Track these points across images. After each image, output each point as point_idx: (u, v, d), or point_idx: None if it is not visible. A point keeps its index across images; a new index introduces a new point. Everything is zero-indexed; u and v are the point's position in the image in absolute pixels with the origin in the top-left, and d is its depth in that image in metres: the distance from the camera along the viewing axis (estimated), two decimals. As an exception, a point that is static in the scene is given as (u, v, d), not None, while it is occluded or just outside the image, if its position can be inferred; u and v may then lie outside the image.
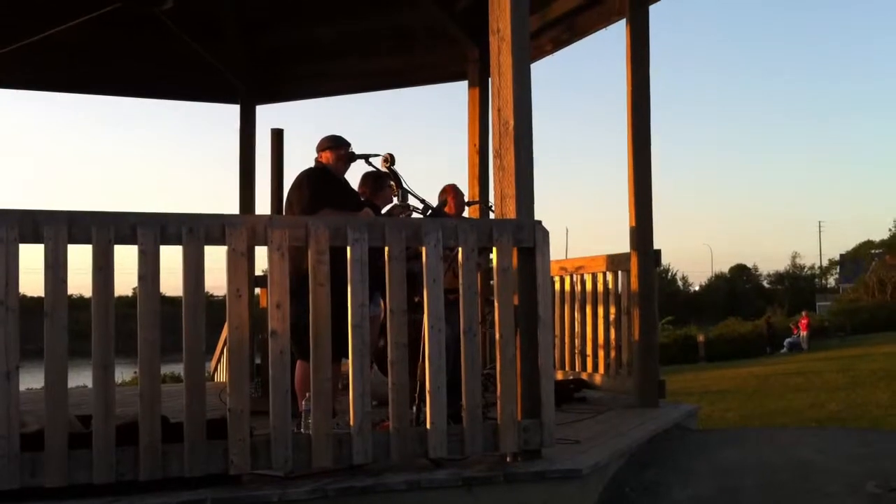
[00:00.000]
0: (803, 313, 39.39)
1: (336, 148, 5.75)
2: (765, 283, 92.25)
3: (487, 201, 8.02)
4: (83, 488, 3.68)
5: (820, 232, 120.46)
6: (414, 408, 4.72)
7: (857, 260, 75.61)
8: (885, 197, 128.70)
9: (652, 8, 6.86)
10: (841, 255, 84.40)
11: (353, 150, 5.74)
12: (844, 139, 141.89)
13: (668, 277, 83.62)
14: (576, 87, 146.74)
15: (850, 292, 61.18)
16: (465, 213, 7.29)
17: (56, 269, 3.68)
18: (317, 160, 5.81)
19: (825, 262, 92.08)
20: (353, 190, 5.94)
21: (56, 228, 3.68)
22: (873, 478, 4.67)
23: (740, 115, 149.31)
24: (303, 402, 4.44)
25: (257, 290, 7.99)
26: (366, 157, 5.63)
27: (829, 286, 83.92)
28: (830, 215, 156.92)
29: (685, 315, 52.10)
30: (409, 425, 4.30)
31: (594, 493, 4.58)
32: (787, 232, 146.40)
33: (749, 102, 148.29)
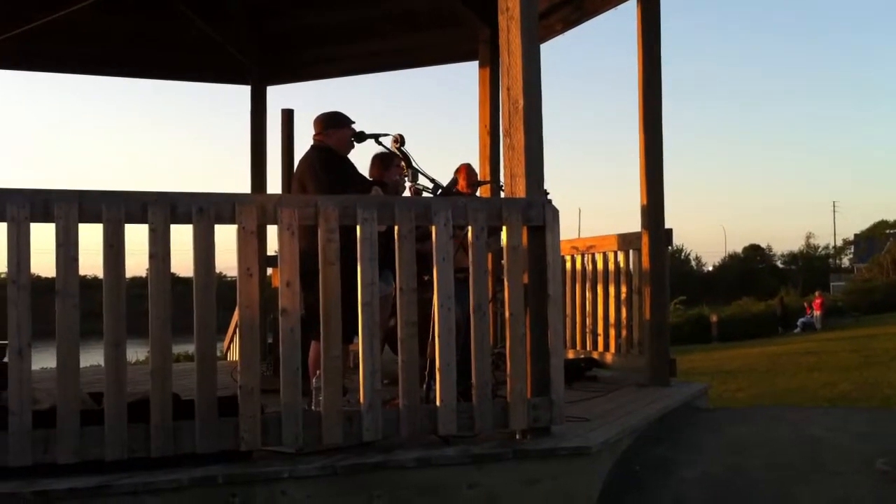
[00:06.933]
0: (817, 293, 39.16)
1: (342, 127, 5.63)
2: (778, 264, 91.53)
3: (499, 181, 8.01)
4: (95, 465, 3.72)
5: (834, 212, 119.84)
6: (424, 386, 4.74)
7: (871, 240, 75.06)
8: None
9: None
10: (855, 235, 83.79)
11: (364, 130, 5.63)
12: (859, 119, 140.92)
13: (682, 258, 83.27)
14: (589, 67, 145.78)
15: (864, 272, 60.85)
16: (478, 194, 7.29)
17: (67, 247, 3.71)
18: (318, 139, 5.66)
19: (839, 243, 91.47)
20: (357, 170, 5.86)
21: (67, 207, 3.71)
22: (882, 456, 4.67)
23: (755, 96, 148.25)
24: (313, 380, 4.46)
25: (269, 271, 8.04)
26: (375, 138, 5.55)
27: (843, 266, 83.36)
28: (845, 195, 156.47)
29: (698, 295, 51.76)
30: (419, 403, 4.32)
31: (604, 470, 4.60)
32: (801, 212, 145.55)
33: (763, 82, 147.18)
